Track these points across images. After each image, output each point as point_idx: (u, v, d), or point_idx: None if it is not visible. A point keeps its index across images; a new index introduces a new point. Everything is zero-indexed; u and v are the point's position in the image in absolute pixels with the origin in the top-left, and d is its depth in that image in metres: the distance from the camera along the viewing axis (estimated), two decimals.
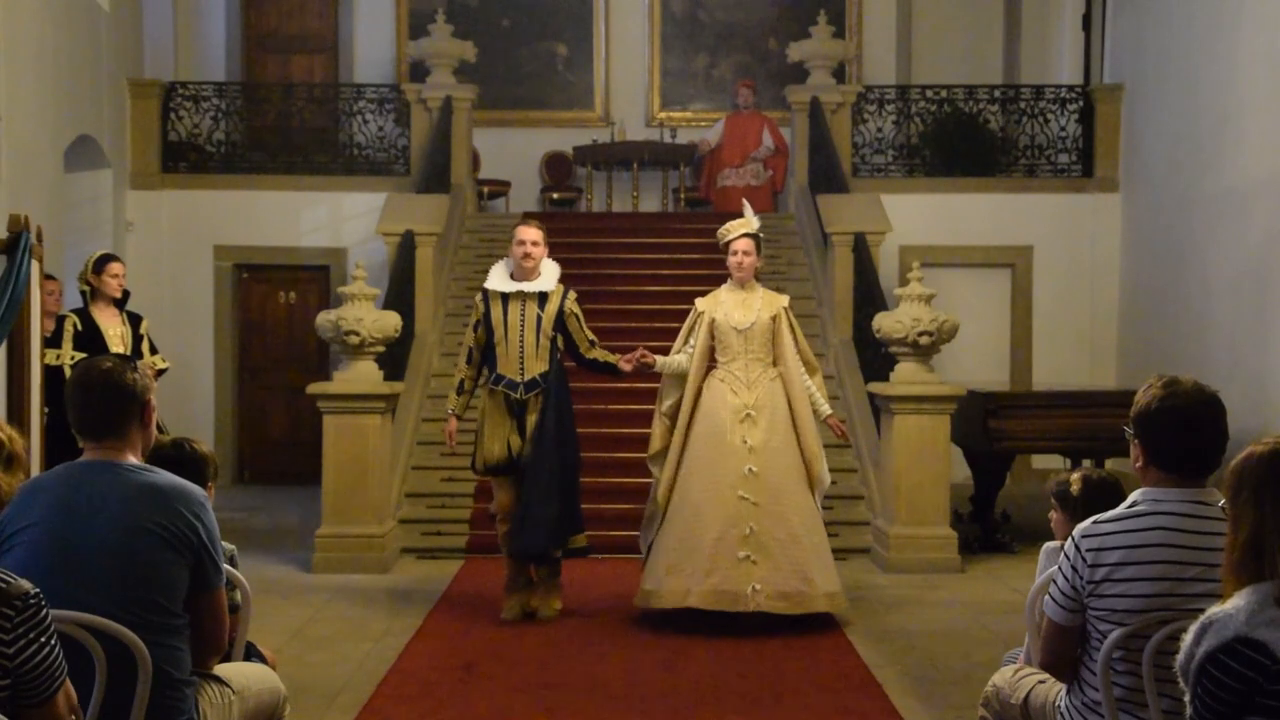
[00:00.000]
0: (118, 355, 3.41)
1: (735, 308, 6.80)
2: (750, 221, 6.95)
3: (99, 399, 3.20)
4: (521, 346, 6.71)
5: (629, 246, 11.88)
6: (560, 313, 6.79)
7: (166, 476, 3.24)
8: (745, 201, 7.59)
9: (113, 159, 11.57)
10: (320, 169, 12.59)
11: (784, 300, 6.94)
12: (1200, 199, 10.34)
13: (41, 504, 3.16)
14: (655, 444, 6.87)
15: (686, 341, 6.90)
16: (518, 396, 6.68)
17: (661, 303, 11.03)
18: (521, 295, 6.74)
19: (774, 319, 6.78)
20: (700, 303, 6.95)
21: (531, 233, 6.75)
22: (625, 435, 9.53)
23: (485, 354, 6.84)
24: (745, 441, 6.57)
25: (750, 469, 6.53)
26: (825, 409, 6.83)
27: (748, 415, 6.61)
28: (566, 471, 6.74)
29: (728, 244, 6.90)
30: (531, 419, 6.67)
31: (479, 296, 6.90)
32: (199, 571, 3.20)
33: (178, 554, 3.15)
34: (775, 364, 6.77)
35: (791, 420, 6.69)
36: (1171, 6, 11.01)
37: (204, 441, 3.97)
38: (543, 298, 6.77)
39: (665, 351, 7.00)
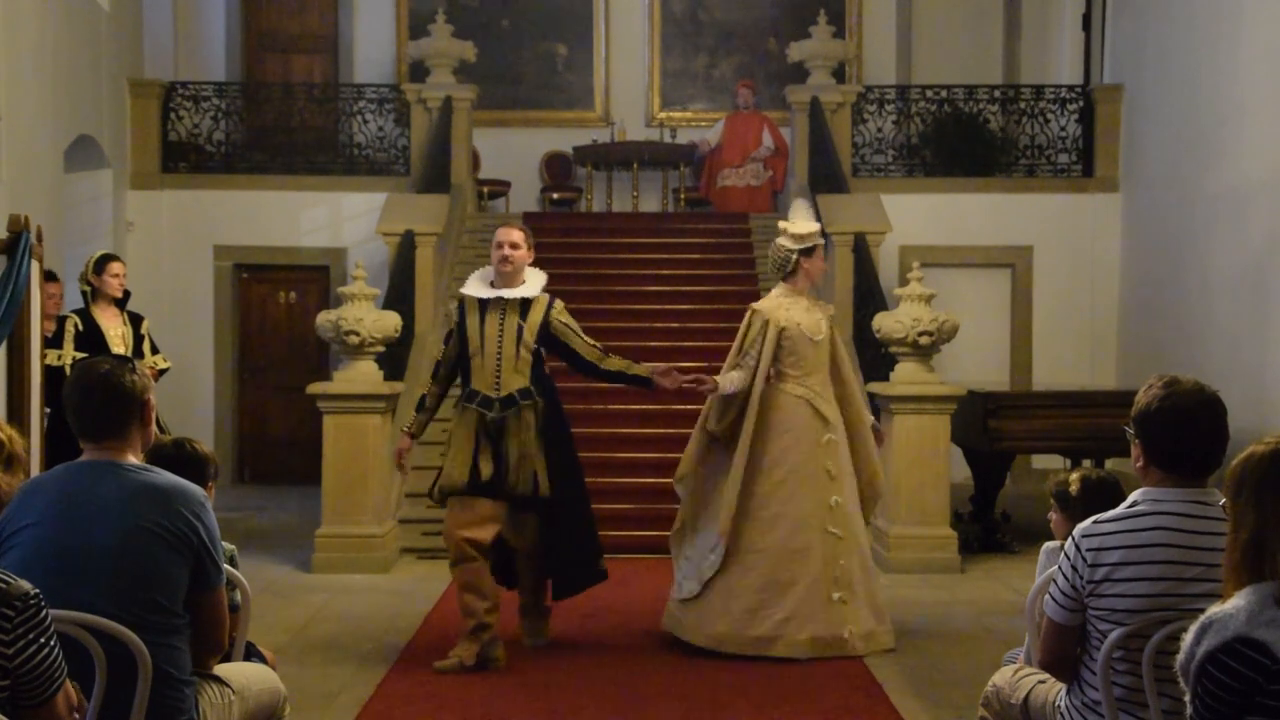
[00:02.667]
0: (116, 356, 3.42)
1: (803, 315, 6.18)
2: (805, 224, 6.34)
3: (98, 401, 3.20)
4: (499, 358, 5.94)
5: (629, 246, 11.88)
6: (545, 324, 6.02)
7: (166, 476, 3.24)
8: (802, 203, 6.86)
9: (113, 159, 11.56)
10: (320, 169, 12.60)
11: (831, 309, 6.45)
12: (1200, 199, 10.34)
13: (41, 504, 3.16)
14: (687, 465, 6.30)
15: (745, 353, 6.18)
16: (493, 415, 5.89)
17: (661, 303, 11.05)
18: (501, 303, 6.00)
19: (831, 329, 6.31)
20: (762, 308, 6.24)
21: (512, 234, 6.06)
22: (624, 436, 9.54)
23: (458, 369, 6.12)
24: (829, 471, 6.08)
25: (836, 500, 6.07)
26: (869, 416, 6.41)
27: (829, 440, 6.11)
28: (586, 499, 6.21)
29: (811, 250, 6.24)
30: (514, 443, 5.90)
31: (453, 305, 6.22)
32: (199, 571, 3.20)
33: (178, 554, 3.15)
34: (833, 377, 6.26)
35: (849, 438, 6.23)
36: (1171, 7, 11.01)
37: (204, 441, 3.97)
38: (524, 305, 6.02)
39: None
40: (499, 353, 5.96)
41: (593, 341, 6.19)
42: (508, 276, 6.06)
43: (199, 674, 3.33)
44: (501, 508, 5.97)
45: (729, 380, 6.15)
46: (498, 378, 5.95)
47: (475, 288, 6.09)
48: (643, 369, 6.16)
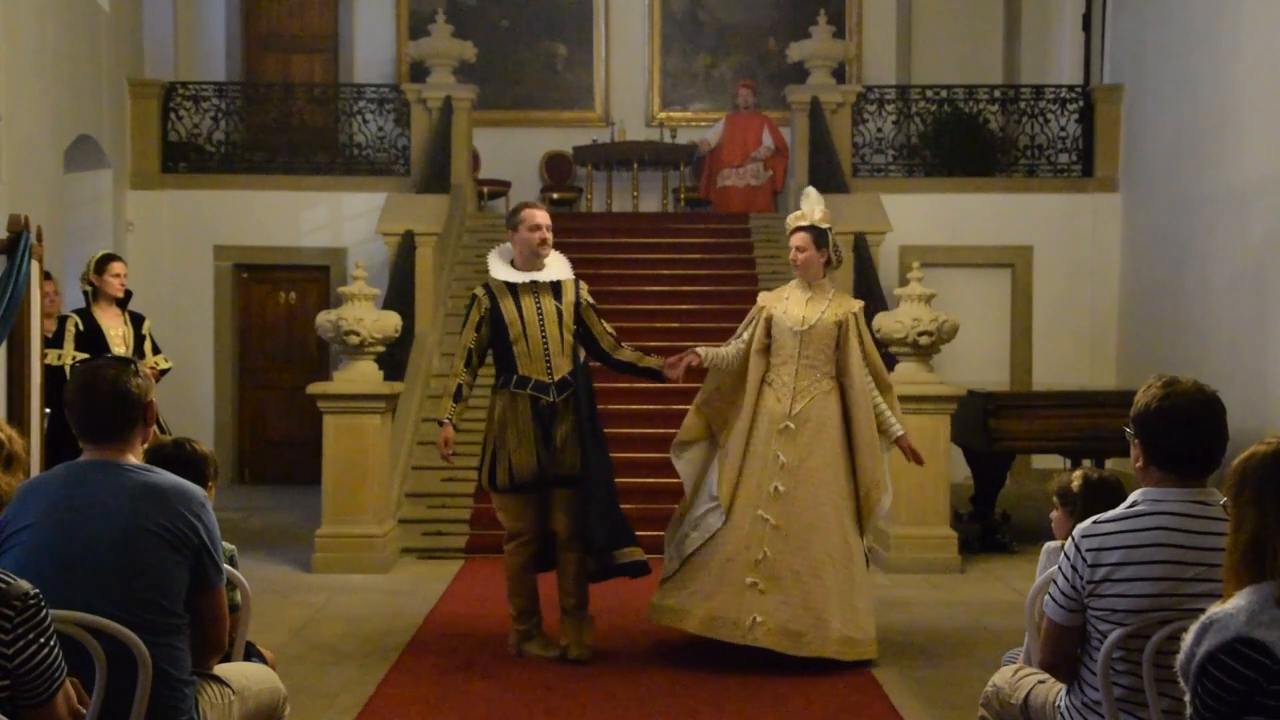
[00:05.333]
0: (118, 358, 3.40)
1: (796, 306, 6.07)
2: (809, 213, 6.15)
3: (103, 405, 3.19)
4: (546, 343, 5.93)
5: (629, 246, 11.89)
6: (577, 304, 6.05)
7: (166, 476, 3.24)
8: (810, 191, 6.43)
9: (113, 159, 11.57)
10: (320, 169, 12.61)
11: (855, 305, 6.16)
12: (1200, 199, 10.34)
13: (41, 504, 3.15)
14: (686, 433, 6.20)
15: (738, 334, 6.20)
16: (550, 400, 5.90)
17: (661, 303, 11.06)
18: (534, 286, 5.99)
19: (840, 324, 6.01)
20: (762, 297, 6.25)
21: (546, 216, 6.03)
22: (624, 435, 9.52)
23: (495, 355, 6.04)
24: (779, 457, 5.91)
25: (777, 487, 5.88)
26: (897, 429, 6.03)
27: (786, 428, 5.93)
28: (612, 479, 6.05)
29: (789, 237, 6.21)
30: (563, 426, 5.92)
31: (481, 291, 6.06)
32: (199, 571, 3.20)
33: (178, 554, 3.15)
34: (839, 376, 6.02)
35: (846, 440, 5.98)
36: (1171, 7, 11.01)
37: (204, 441, 3.97)
38: (556, 288, 6.02)
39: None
40: (544, 337, 5.96)
41: (610, 328, 6.20)
42: (538, 259, 6.03)
43: (199, 674, 3.33)
44: (544, 492, 6.02)
45: (713, 353, 6.14)
46: (548, 363, 5.95)
47: (504, 272, 6.04)
48: (653, 361, 6.12)
